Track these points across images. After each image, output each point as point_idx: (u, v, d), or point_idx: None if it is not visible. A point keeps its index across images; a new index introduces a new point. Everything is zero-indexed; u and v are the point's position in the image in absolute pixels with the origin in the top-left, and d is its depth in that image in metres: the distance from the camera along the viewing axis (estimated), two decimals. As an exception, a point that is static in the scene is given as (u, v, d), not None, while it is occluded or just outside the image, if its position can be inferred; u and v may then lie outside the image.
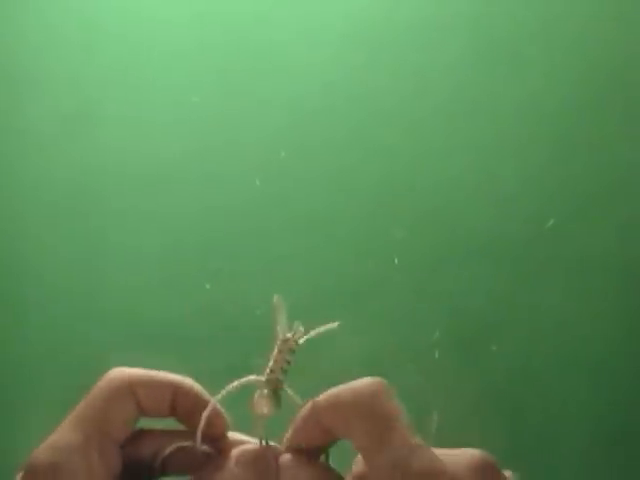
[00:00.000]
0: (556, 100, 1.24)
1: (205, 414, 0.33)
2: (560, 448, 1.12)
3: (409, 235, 1.21)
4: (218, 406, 0.34)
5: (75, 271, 1.23)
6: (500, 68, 1.26)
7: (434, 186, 1.24)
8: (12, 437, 1.05)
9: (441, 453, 0.31)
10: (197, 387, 0.34)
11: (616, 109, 1.24)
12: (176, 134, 1.27)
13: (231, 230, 1.24)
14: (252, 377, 0.34)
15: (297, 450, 0.34)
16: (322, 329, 0.35)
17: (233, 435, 0.35)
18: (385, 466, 0.30)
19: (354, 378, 0.33)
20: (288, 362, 0.34)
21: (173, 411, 0.34)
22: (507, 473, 0.31)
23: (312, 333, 0.35)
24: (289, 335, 0.35)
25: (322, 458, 0.35)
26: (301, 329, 0.35)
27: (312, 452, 0.34)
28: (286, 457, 0.34)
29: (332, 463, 0.36)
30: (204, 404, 0.34)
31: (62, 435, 0.32)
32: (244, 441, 0.35)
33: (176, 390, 0.34)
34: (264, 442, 0.34)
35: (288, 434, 0.35)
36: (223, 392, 0.34)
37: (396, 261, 1.20)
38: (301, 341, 0.35)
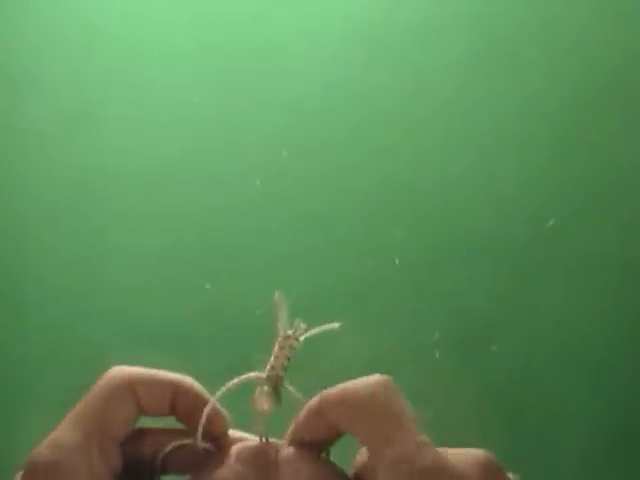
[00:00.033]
0: (556, 100, 1.24)
1: (205, 411, 0.33)
2: (560, 448, 1.12)
3: (409, 235, 1.21)
4: (218, 405, 0.34)
5: (75, 271, 1.23)
6: (500, 68, 1.26)
7: (434, 186, 1.24)
8: (12, 437, 1.05)
9: (445, 452, 0.31)
10: (197, 386, 0.34)
11: (616, 109, 1.24)
12: (176, 134, 1.27)
13: (231, 230, 1.24)
14: (252, 374, 0.34)
15: (299, 444, 0.34)
16: (323, 327, 0.35)
17: (233, 433, 0.35)
18: (392, 460, 0.30)
19: (354, 378, 0.33)
20: (288, 359, 0.34)
21: (173, 410, 0.34)
22: (510, 475, 0.32)
23: (313, 330, 0.35)
24: (290, 332, 0.35)
25: (323, 455, 0.35)
26: (302, 326, 0.35)
27: (314, 447, 0.34)
28: (287, 452, 0.34)
29: (333, 459, 0.36)
30: (204, 403, 0.34)
31: (62, 433, 0.32)
32: (244, 439, 0.35)
33: (176, 389, 0.34)
34: (264, 439, 0.34)
35: (291, 427, 0.35)
36: (223, 389, 0.34)
37: (396, 261, 1.20)
38: (302, 338, 0.35)
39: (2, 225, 1.24)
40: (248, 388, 0.35)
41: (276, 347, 0.35)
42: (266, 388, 0.34)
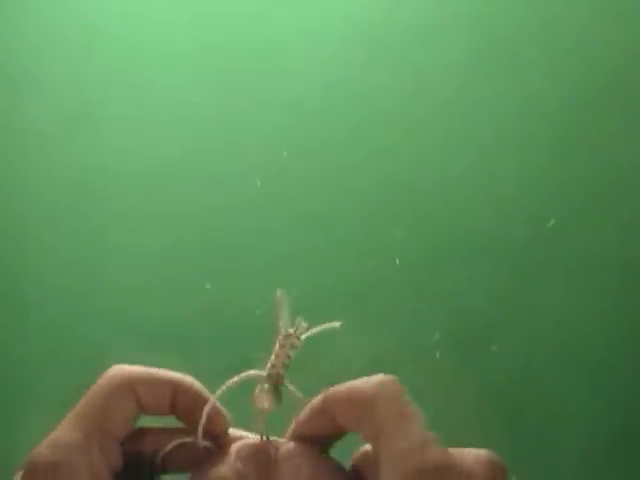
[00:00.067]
0: (556, 100, 1.24)
1: (206, 410, 0.33)
2: (560, 448, 1.12)
3: (409, 235, 1.21)
4: (218, 404, 0.34)
5: (75, 271, 1.23)
6: (500, 68, 1.26)
7: (434, 186, 1.24)
8: (12, 437, 1.05)
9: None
10: (197, 385, 0.34)
11: (616, 109, 1.24)
12: (176, 134, 1.27)
13: (231, 230, 1.24)
14: (252, 372, 0.34)
15: (299, 440, 0.34)
16: (324, 326, 0.35)
17: (234, 432, 0.35)
18: (400, 455, 0.30)
19: (355, 378, 0.33)
20: (289, 357, 0.34)
21: (173, 409, 0.34)
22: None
23: (314, 329, 0.35)
24: (291, 330, 0.35)
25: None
26: (303, 325, 0.35)
27: (315, 444, 0.34)
28: (287, 449, 0.34)
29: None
30: (204, 402, 0.34)
31: (62, 433, 0.32)
32: (245, 437, 0.35)
33: (176, 388, 0.34)
34: (265, 437, 0.34)
35: (293, 424, 0.35)
36: (223, 387, 0.34)
37: (396, 261, 1.20)
38: (303, 337, 0.35)
39: (2, 225, 1.24)
40: (248, 387, 0.35)
41: (277, 345, 0.35)
42: (266, 386, 0.34)
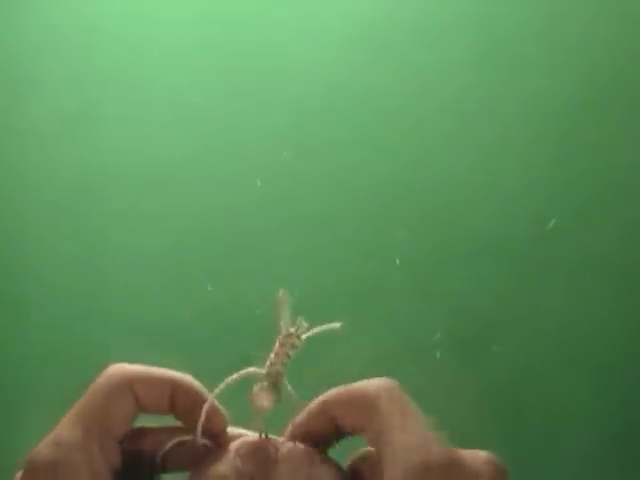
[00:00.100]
0: (559, 101, 1.24)
1: (204, 409, 0.33)
2: (560, 448, 1.12)
3: (411, 235, 1.21)
4: (216, 402, 0.34)
5: (75, 271, 1.23)
6: (503, 69, 1.26)
7: (436, 186, 1.23)
8: (12, 437, 1.05)
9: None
10: (196, 383, 0.34)
11: (619, 110, 1.23)
12: (176, 134, 1.27)
13: (232, 231, 1.24)
14: (251, 369, 0.34)
15: (299, 440, 0.34)
16: (325, 326, 0.35)
17: (232, 430, 0.35)
18: (405, 447, 0.30)
19: (355, 379, 0.33)
20: (289, 357, 0.34)
21: (172, 407, 0.34)
22: None
23: (315, 329, 0.35)
24: (292, 330, 0.35)
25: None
26: (304, 324, 0.35)
27: (314, 444, 0.34)
28: (286, 448, 0.34)
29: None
30: (203, 400, 0.34)
31: (62, 432, 0.32)
32: (243, 435, 0.35)
33: (175, 386, 0.34)
34: (264, 435, 0.34)
35: (292, 424, 0.35)
36: (222, 385, 0.34)
37: (397, 261, 1.20)
38: (304, 336, 0.35)
39: (2, 225, 1.24)
40: (248, 385, 0.35)
41: (277, 344, 0.35)
42: (265, 384, 0.34)
